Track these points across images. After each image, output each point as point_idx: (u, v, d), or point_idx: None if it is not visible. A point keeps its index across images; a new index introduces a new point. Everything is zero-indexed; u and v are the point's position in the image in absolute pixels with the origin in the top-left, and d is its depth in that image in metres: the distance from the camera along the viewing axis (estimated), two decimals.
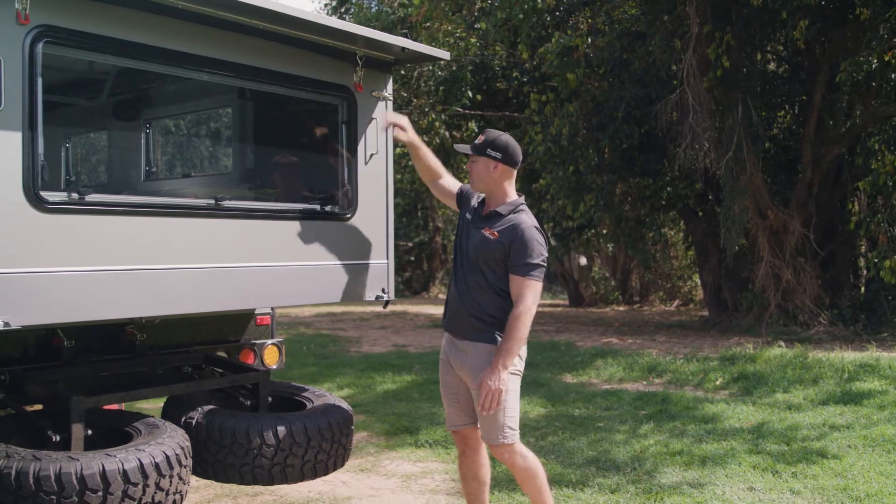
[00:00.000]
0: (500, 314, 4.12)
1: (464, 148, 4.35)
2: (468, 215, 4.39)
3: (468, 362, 4.19)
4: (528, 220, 4.19)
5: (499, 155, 4.20)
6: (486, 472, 4.48)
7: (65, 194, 3.65)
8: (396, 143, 4.90)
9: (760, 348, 11.18)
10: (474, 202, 4.45)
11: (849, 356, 10.09)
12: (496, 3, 14.49)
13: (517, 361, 4.13)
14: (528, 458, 4.24)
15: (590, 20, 15.26)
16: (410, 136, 4.63)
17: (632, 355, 11.45)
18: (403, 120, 4.71)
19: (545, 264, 4.13)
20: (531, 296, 4.03)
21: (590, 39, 14.25)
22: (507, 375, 4.00)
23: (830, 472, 5.91)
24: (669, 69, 13.86)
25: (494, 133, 4.28)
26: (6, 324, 3.32)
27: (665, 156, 15.06)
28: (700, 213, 16.75)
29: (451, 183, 4.72)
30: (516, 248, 4.07)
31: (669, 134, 13.78)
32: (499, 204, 4.26)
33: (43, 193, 3.48)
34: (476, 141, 4.28)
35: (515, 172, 4.32)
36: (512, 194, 4.30)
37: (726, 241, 13.71)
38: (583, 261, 23.96)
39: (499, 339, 4.09)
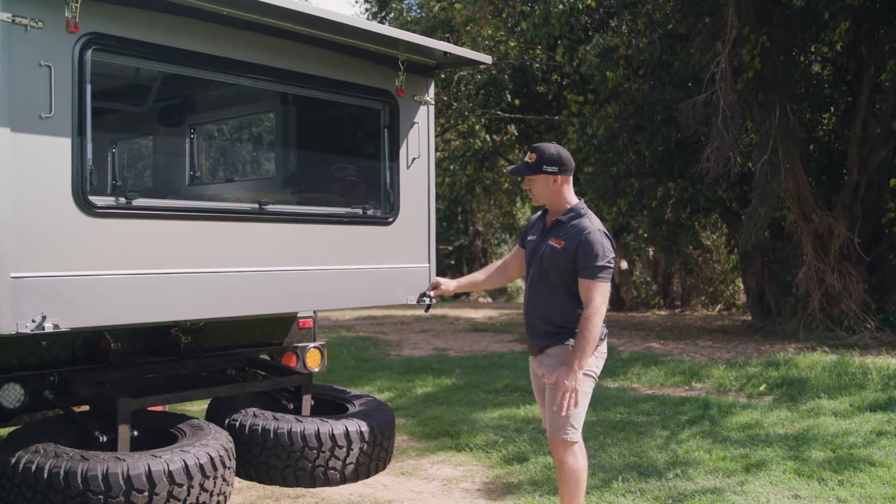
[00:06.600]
0: (569, 321, 4.25)
1: (518, 170, 4.42)
2: (535, 235, 4.48)
3: (545, 365, 4.34)
4: (589, 223, 4.27)
5: (555, 168, 4.30)
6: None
7: (112, 199, 3.72)
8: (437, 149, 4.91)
9: (804, 353, 11.02)
10: (535, 220, 4.58)
11: None
12: (535, 5, 14.43)
13: (593, 363, 4.26)
14: (580, 461, 4.32)
15: (630, 22, 15.17)
16: (453, 287, 4.93)
17: (673, 360, 11.35)
18: (441, 285, 4.94)
19: (612, 265, 4.22)
20: (599, 297, 4.13)
21: (631, 40, 14.16)
22: (582, 375, 4.13)
23: (878, 480, 5.79)
24: (710, 71, 13.73)
25: (543, 147, 4.35)
26: (56, 326, 3.38)
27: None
28: (742, 217, 16.55)
29: (512, 255, 4.83)
30: (582, 253, 4.17)
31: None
32: (560, 212, 4.37)
33: (91, 198, 3.54)
34: (528, 160, 4.34)
35: (572, 177, 4.41)
36: (572, 199, 4.39)
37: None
38: (624, 265, 23.81)
39: (569, 341, 4.21)
